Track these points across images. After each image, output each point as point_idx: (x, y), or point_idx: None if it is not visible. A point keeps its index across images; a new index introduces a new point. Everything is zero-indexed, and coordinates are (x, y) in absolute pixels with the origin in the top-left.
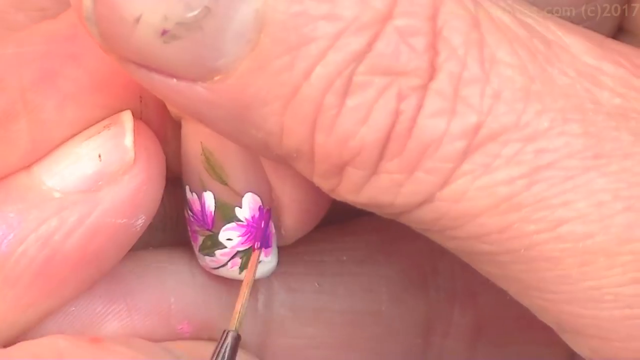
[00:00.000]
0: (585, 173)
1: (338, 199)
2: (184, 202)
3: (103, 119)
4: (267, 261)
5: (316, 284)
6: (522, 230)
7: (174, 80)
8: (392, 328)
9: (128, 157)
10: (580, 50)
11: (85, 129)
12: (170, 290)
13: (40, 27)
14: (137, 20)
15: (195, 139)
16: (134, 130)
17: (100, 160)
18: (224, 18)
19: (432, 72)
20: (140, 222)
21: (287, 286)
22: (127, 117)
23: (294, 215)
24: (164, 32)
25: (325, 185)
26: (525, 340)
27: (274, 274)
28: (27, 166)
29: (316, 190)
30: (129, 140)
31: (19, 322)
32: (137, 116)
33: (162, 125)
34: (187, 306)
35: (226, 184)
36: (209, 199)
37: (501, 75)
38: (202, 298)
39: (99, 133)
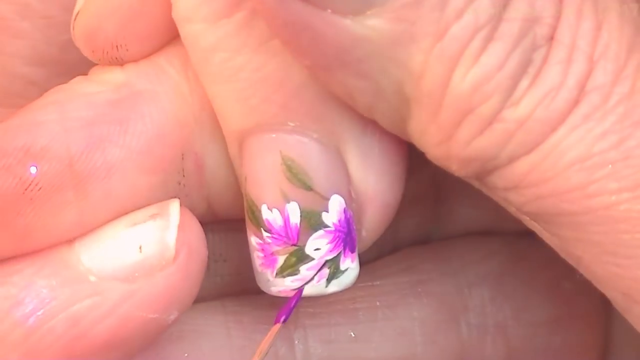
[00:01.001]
0: None
1: (441, 156)
2: (252, 230)
3: (148, 187)
4: (352, 267)
5: (351, 334)
6: (604, 187)
7: (328, 11)
8: None
9: (168, 254)
10: None
11: (130, 200)
12: (206, 354)
13: (79, 88)
14: None
15: (274, 150)
16: (179, 224)
17: (141, 252)
18: None
19: (558, 20)
20: (172, 317)
21: (322, 338)
22: (174, 210)
23: (377, 209)
24: None
25: (439, 135)
26: None
27: (308, 327)
28: (70, 239)
29: (396, 177)
30: (171, 237)
31: None
32: (180, 174)
33: (201, 174)
34: None
35: (311, 189)
36: (293, 209)
37: (611, 24)
38: None
39: (145, 222)
